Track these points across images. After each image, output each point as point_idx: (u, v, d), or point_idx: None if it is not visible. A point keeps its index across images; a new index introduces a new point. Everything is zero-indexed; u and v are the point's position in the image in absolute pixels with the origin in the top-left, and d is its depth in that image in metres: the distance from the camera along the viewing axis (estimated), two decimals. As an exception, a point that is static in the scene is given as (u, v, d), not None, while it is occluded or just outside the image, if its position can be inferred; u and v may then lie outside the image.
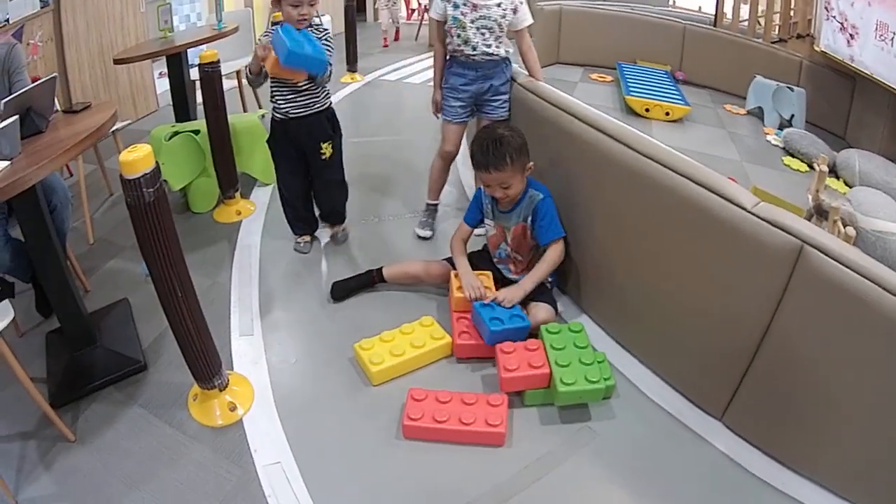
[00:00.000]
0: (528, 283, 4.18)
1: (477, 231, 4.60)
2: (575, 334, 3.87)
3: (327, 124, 4.97)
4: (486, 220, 4.47)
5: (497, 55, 4.80)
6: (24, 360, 3.69)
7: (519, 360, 3.67)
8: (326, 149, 4.97)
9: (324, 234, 5.53)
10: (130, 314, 4.48)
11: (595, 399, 3.67)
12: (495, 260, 4.58)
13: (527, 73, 4.98)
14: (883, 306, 2.75)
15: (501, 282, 4.46)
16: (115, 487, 3.25)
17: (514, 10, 4.71)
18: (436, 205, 5.65)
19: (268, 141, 5.06)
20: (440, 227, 5.65)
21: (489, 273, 4.45)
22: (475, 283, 4.20)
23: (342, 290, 4.72)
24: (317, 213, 5.44)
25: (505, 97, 5.02)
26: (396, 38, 14.35)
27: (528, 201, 4.23)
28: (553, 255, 4.24)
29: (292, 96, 4.72)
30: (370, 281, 4.78)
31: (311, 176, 5.14)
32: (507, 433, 3.46)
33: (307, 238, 5.40)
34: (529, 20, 4.83)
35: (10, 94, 3.84)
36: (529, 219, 4.25)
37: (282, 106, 4.77)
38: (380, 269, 4.77)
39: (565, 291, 4.71)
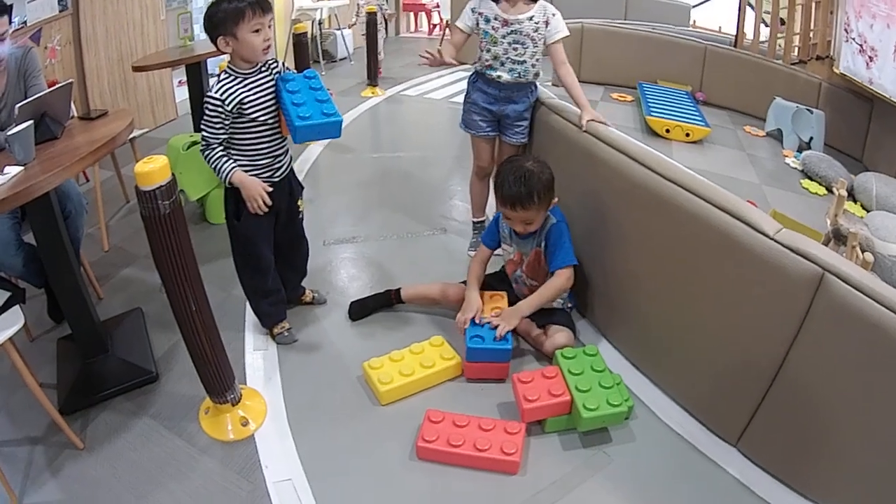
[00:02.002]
0: (525, 307, 4.12)
1: (499, 251, 4.53)
2: (591, 358, 3.83)
3: (295, 175, 4.30)
4: (504, 245, 4.42)
5: (524, 79, 4.71)
6: (35, 365, 3.73)
7: (539, 388, 3.63)
8: (301, 205, 4.39)
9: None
10: (143, 324, 4.47)
11: (617, 422, 3.65)
12: (514, 285, 4.52)
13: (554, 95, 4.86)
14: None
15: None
16: (122, 497, 3.24)
17: (547, 23, 4.59)
18: (482, 221, 5.54)
19: (233, 221, 4.01)
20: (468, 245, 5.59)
21: (504, 293, 4.39)
22: (469, 310, 4.14)
23: (360, 310, 4.69)
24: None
25: (526, 123, 4.94)
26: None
27: (543, 226, 4.17)
28: (557, 281, 4.13)
29: (277, 155, 3.97)
30: (388, 301, 4.74)
31: (277, 240, 4.31)
32: (521, 461, 3.42)
33: (286, 325, 4.52)
34: (564, 32, 4.67)
35: (26, 98, 3.82)
36: (543, 244, 4.19)
37: (262, 172, 3.90)
38: (398, 290, 4.73)
39: (582, 313, 4.68)
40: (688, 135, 9.06)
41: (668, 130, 9.09)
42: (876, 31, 7.92)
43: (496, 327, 3.98)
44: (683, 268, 3.67)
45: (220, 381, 3.49)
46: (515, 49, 4.57)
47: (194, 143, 5.80)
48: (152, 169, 2.78)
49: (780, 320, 3.15)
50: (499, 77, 4.66)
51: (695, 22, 14.67)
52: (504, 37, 4.53)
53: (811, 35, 10.47)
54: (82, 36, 7.29)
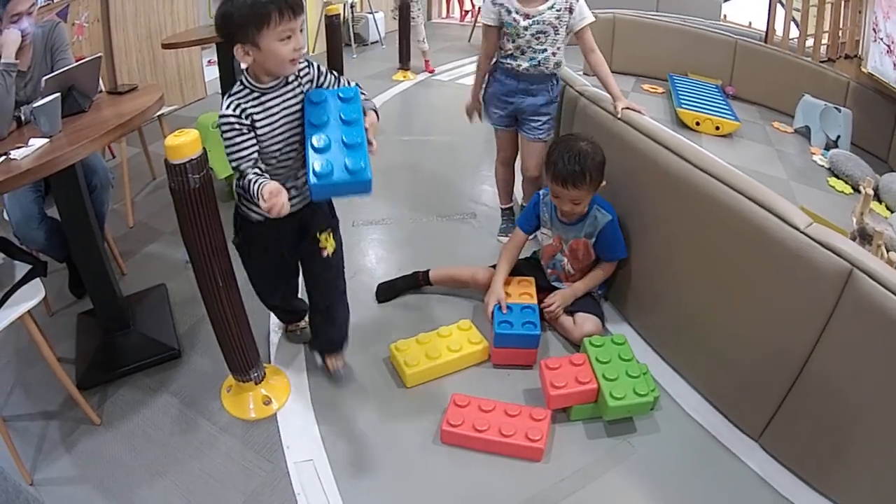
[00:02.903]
0: (581, 286, 4.24)
1: (532, 236, 4.51)
2: (619, 346, 3.81)
3: (326, 206, 3.57)
4: (543, 229, 4.38)
5: (544, 68, 4.62)
6: (54, 340, 3.73)
7: (566, 375, 3.61)
8: (326, 241, 3.51)
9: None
10: (167, 300, 4.47)
11: (643, 412, 3.64)
12: (548, 271, 4.50)
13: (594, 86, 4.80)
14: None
15: (546, 290, 4.37)
16: (137, 474, 3.24)
17: (570, 10, 4.48)
18: (510, 208, 5.55)
19: (237, 243, 3.50)
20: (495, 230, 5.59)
21: (532, 279, 4.38)
22: (492, 299, 4.14)
23: (388, 292, 4.68)
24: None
25: (546, 118, 4.85)
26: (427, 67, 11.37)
27: (592, 219, 4.15)
28: (608, 269, 4.30)
29: (291, 186, 3.22)
30: (416, 283, 4.72)
31: (308, 288, 3.73)
32: (546, 448, 3.41)
33: (302, 324, 4.25)
34: (590, 18, 4.57)
35: (52, 72, 3.81)
36: (594, 238, 4.18)
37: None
38: (426, 272, 4.71)
39: (610, 300, 4.66)
40: (717, 128, 9.04)
41: (697, 123, 9.08)
42: (904, 32, 7.88)
43: (527, 308, 4.05)
44: (713, 258, 3.65)
45: (244, 359, 3.48)
46: (538, 39, 4.50)
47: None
48: (183, 142, 2.79)
49: (808, 315, 3.12)
50: (518, 66, 4.59)
51: (725, 16, 14.61)
52: (527, 28, 4.45)
53: (840, 34, 10.43)
54: (111, 13, 7.28)
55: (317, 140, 2.90)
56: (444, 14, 17.57)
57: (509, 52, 4.60)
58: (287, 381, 3.83)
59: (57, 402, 3.61)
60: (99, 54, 4.08)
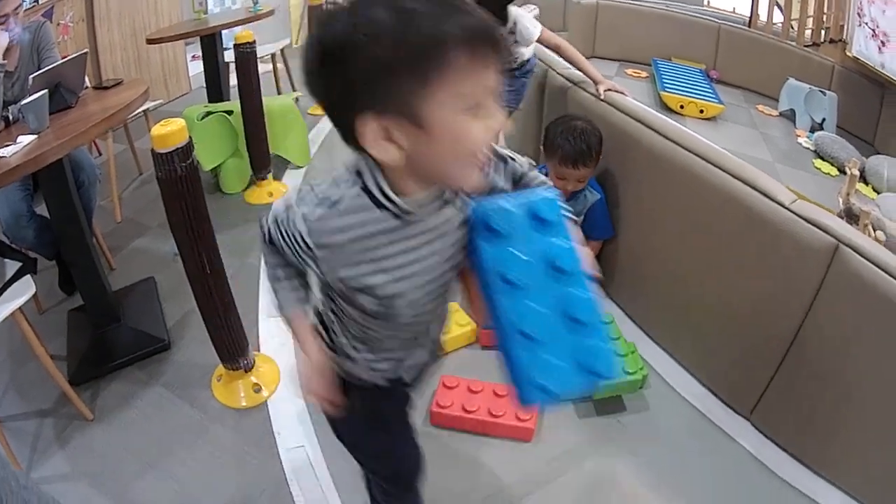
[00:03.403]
0: None
1: None
2: (606, 326, 3.81)
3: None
4: None
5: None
6: (45, 337, 3.73)
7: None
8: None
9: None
10: (156, 293, 4.48)
11: (632, 390, 3.67)
12: None
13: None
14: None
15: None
16: (131, 467, 3.25)
17: (512, 32, 4.52)
18: None
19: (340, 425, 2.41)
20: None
21: None
22: None
23: None
24: None
25: (512, 90, 4.89)
26: None
27: (582, 198, 4.17)
28: (595, 247, 4.29)
29: (416, 347, 2.07)
30: None
31: None
32: (536, 428, 3.43)
33: None
34: (536, 32, 4.59)
35: (40, 70, 3.83)
36: (582, 216, 4.19)
37: (379, 365, 2.00)
38: None
39: (608, 292, 4.63)
40: (702, 111, 9.09)
41: (682, 106, 9.13)
42: (888, 16, 7.90)
43: None
44: (699, 237, 3.67)
45: (234, 346, 3.50)
46: None
47: (209, 112, 5.85)
48: (170, 131, 2.79)
49: (795, 291, 3.15)
50: None
51: (709, 2, 14.66)
52: None
53: (824, 18, 10.46)
54: (95, 12, 7.27)
55: (529, 325, 1.63)
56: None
57: None
58: (277, 368, 3.85)
59: (50, 400, 3.62)
60: (84, 50, 4.12)
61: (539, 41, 4.65)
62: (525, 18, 4.58)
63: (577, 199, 4.16)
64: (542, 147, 4.20)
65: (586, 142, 3.96)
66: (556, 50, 4.73)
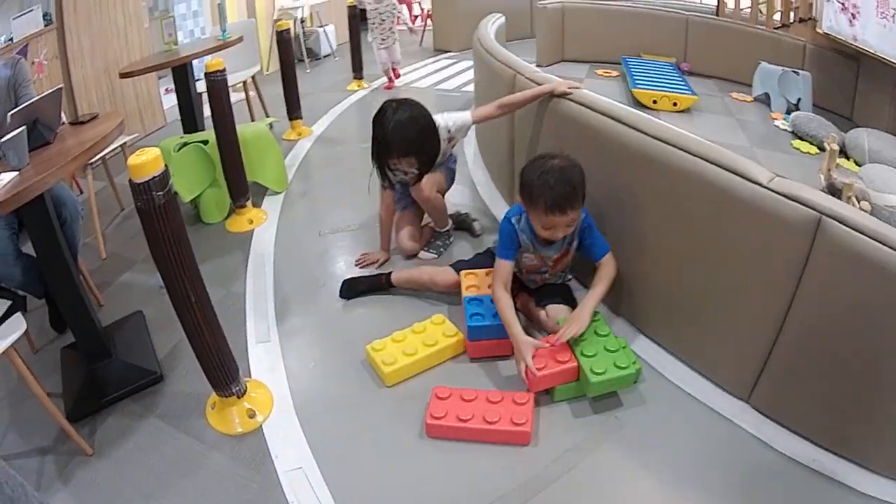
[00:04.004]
0: (589, 307, 3.79)
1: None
2: (595, 323, 3.84)
3: None
4: (526, 254, 4.14)
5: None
6: (41, 375, 3.69)
7: (545, 357, 3.62)
8: None
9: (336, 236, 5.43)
10: (145, 326, 4.47)
11: (626, 385, 3.66)
12: (529, 276, 4.31)
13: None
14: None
15: (522, 288, 4.35)
16: (133, 500, 3.24)
17: (451, 139, 4.92)
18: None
19: None
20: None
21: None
22: (527, 353, 3.59)
23: (349, 289, 4.73)
24: None
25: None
26: (395, 76, 11.35)
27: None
28: (609, 270, 3.96)
29: None
30: (379, 285, 4.74)
31: None
32: (532, 431, 3.42)
33: None
34: (468, 119, 4.93)
35: (17, 107, 3.83)
36: (576, 241, 4.06)
37: None
38: (389, 274, 4.73)
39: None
40: (675, 104, 9.15)
41: (655, 101, 9.19)
42: (858, -12, 7.95)
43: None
44: (682, 225, 3.68)
45: (225, 374, 3.49)
46: None
47: (185, 143, 5.85)
48: (145, 160, 2.80)
49: (782, 268, 3.17)
50: None
51: (676, -5, 14.74)
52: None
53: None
54: (68, 49, 7.30)
55: None
56: (407, 16, 17.74)
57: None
58: (269, 392, 3.84)
59: (50, 437, 3.61)
60: (60, 86, 4.12)
61: (478, 121, 4.88)
62: (452, 119, 4.85)
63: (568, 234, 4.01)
64: (518, 196, 3.95)
65: (570, 182, 3.65)
66: (500, 108, 4.79)
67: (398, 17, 10.75)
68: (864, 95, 9.05)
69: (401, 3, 15.96)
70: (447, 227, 5.37)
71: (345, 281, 4.76)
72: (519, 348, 3.68)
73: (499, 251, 4.05)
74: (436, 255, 5.23)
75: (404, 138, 4.58)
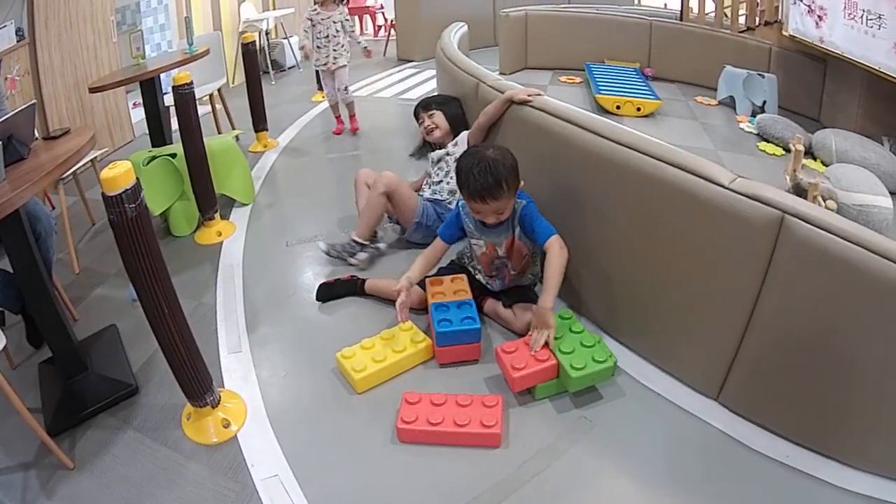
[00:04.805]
0: (548, 300, 3.78)
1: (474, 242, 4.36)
2: (568, 321, 3.93)
3: None
4: (473, 240, 4.30)
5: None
6: (21, 391, 3.72)
7: (524, 357, 3.67)
8: None
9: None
10: (119, 339, 4.49)
11: (605, 378, 3.73)
12: (489, 278, 4.42)
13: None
14: (869, 269, 2.82)
15: (480, 290, 4.44)
16: (116, 512, 3.25)
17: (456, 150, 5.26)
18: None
19: None
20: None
21: (464, 276, 4.44)
22: (405, 282, 4.05)
23: (326, 291, 4.81)
24: None
25: None
26: (353, 124, 9.06)
27: (512, 212, 4.09)
28: (555, 254, 3.86)
29: None
30: (355, 288, 4.81)
31: None
32: (503, 433, 3.47)
33: None
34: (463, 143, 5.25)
35: (-10, 123, 3.86)
36: (517, 229, 4.11)
37: None
38: (364, 281, 4.81)
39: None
40: (639, 109, 9.16)
41: (618, 107, 9.19)
42: (824, -11, 8.02)
43: (464, 304, 4.12)
44: (646, 229, 3.74)
45: (198, 384, 3.52)
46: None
47: (153, 157, 5.87)
48: (117, 174, 2.82)
49: (747, 268, 3.23)
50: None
51: (639, 1, 14.78)
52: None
53: (758, 1, 10.57)
54: (39, 65, 7.32)
55: None
56: (358, 30, 17.75)
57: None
58: (242, 402, 3.88)
59: (32, 452, 3.62)
60: (33, 101, 4.12)
61: (471, 137, 5.13)
62: (461, 137, 5.24)
63: (511, 216, 4.10)
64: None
65: (494, 174, 3.82)
66: (480, 132, 5.08)
67: (350, 32, 8.69)
68: (831, 96, 9.11)
69: (362, 14, 15.88)
70: (360, 240, 5.30)
71: (322, 284, 4.84)
72: (400, 284, 4.04)
73: (440, 229, 4.34)
74: (333, 256, 5.32)
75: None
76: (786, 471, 3.25)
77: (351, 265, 5.24)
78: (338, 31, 8.42)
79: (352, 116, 9.00)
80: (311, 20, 8.42)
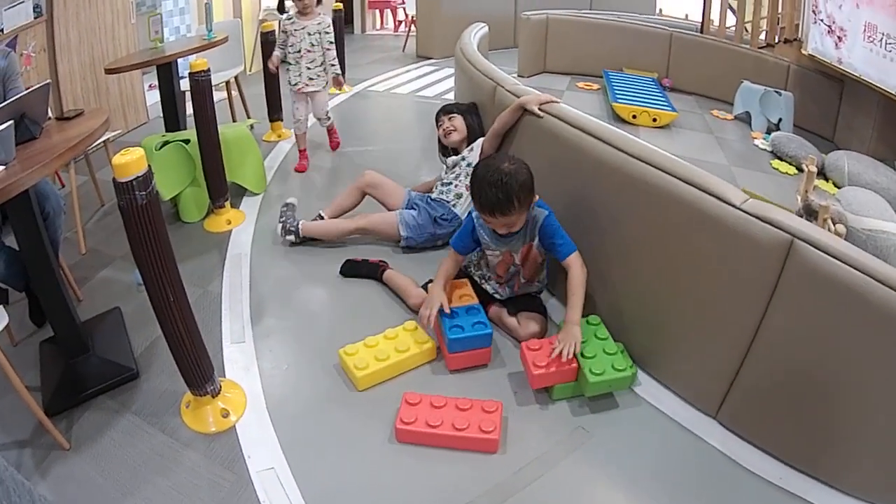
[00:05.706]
0: (574, 316, 3.83)
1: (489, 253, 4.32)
2: (594, 327, 3.95)
3: None
4: (488, 251, 4.25)
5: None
6: (20, 369, 3.70)
7: (547, 356, 3.70)
8: None
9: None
10: (122, 322, 4.48)
11: (623, 387, 3.76)
12: (502, 283, 4.38)
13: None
14: (875, 297, 2.80)
15: (483, 296, 4.40)
16: (109, 495, 3.25)
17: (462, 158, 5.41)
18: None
19: None
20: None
21: (466, 281, 4.42)
22: (434, 304, 4.04)
23: (350, 269, 4.99)
24: None
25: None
26: (334, 138, 7.90)
27: (531, 222, 4.05)
28: (576, 272, 3.92)
29: None
30: (376, 272, 4.89)
31: None
32: (500, 439, 3.46)
33: None
34: (478, 149, 5.29)
35: (5, 100, 3.85)
36: (536, 238, 4.09)
37: None
38: (385, 269, 4.89)
39: (556, 294, 4.72)
40: (655, 120, 9.14)
41: (634, 116, 9.18)
42: (845, 11, 7.97)
43: (472, 309, 4.12)
44: (656, 243, 3.72)
45: (200, 372, 3.52)
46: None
47: (166, 142, 5.88)
48: (129, 160, 2.82)
49: (753, 289, 3.22)
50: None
51: (661, 10, 14.72)
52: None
53: (779, 18, 10.55)
54: (56, 42, 7.30)
55: None
56: (378, 25, 17.69)
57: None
58: (243, 392, 3.87)
59: (28, 431, 3.62)
60: (48, 81, 4.13)
61: (486, 143, 5.19)
62: (477, 143, 5.28)
63: (527, 225, 4.06)
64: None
65: (506, 190, 3.75)
66: (495, 139, 5.12)
67: (327, 49, 7.02)
68: (846, 118, 9.10)
69: (383, 9, 15.77)
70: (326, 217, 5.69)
71: (347, 260, 4.98)
72: (431, 297, 4.11)
73: (453, 239, 4.29)
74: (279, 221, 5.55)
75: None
76: (779, 493, 3.25)
77: (282, 237, 5.47)
78: (312, 45, 6.94)
79: (331, 131, 7.80)
80: (284, 32, 7.01)
